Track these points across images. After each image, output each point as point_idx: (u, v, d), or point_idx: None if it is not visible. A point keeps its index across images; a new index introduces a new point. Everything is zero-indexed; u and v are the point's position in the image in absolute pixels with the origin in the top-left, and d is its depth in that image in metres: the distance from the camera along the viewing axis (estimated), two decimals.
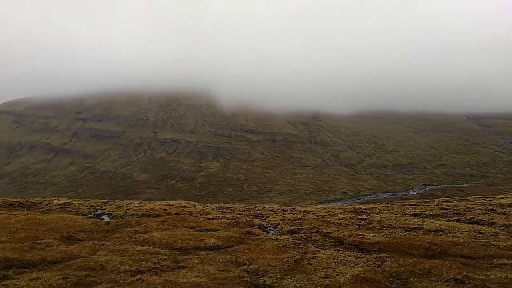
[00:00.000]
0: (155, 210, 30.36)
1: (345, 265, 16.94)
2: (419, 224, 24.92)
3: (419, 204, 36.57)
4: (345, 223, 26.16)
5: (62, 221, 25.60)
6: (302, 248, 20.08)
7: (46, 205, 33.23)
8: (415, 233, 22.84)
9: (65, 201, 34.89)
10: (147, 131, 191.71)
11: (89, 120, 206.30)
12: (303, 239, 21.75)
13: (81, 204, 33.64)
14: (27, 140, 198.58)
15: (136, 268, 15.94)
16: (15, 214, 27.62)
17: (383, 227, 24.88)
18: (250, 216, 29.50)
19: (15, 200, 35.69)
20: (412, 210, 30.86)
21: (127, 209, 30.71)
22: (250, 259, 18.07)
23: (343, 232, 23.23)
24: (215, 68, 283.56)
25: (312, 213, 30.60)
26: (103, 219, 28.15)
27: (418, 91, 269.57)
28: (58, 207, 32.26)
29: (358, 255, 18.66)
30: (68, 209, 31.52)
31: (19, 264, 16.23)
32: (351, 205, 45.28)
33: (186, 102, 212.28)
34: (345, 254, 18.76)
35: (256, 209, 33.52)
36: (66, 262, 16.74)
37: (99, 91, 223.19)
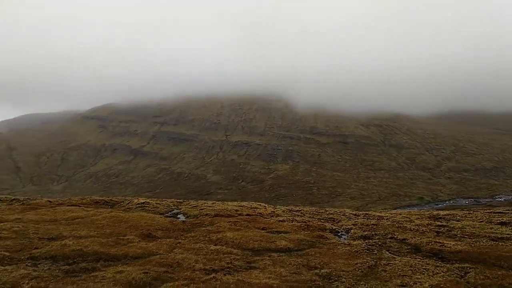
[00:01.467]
0: (227, 210, 31.11)
1: (423, 274, 16.05)
2: (508, 234, 22.88)
3: (507, 211, 33.60)
4: (423, 230, 24.80)
5: (141, 219, 27.19)
6: (376, 254, 19.38)
7: (127, 204, 35.53)
8: (503, 243, 20.99)
9: (144, 201, 37.06)
10: (219, 134, 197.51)
11: (166, 124, 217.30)
12: (377, 245, 20.98)
13: (159, 204, 35.48)
14: (110, 143, 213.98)
15: (210, 267, 16.43)
16: (101, 212, 29.84)
17: (466, 235, 23.19)
18: (321, 220, 29.10)
19: (101, 198, 38.61)
20: (499, 218, 28.42)
21: (201, 209, 31.81)
22: (322, 263, 17.81)
23: (421, 239, 22.04)
24: (287, 72, 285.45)
25: (387, 219, 29.42)
26: (179, 218, 29.41)
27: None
28: (138, 206, 34.35)
29: (438, 264, 17.58)
30: (147, 208, 33.41)
31: (106, 257, 17.51)
32: (428, 211, 42.89)
33: (256, 106, 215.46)
34: (422, 262, 17.78)
35: (327, 213, 32.99)
36: (146, 258, 17.73)
37: (175, 96, 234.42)
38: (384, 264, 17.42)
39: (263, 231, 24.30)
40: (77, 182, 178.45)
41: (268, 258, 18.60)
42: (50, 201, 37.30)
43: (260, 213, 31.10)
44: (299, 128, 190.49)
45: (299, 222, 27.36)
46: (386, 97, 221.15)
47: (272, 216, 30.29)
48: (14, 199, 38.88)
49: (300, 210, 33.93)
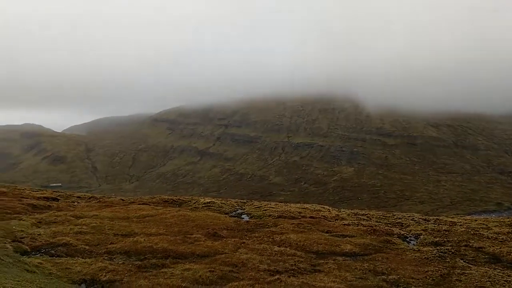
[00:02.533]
0: (290, 212, 31.03)
1: (504, 286, 14.85)
2: None
3: None
4: (502, 238, 22.97)
5: (207, 218, 27.97)
6: (449, 262, 18.28)
7: (194, 203, 36.72)
8: None
9: (209, 200, 38.10)
10: (282, 135, 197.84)
11: (230, 126, 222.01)
12: (450, 253, 19.78)
13: (223, 203, 36.28)
14: (178, 144, 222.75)
15: (275, 268, 16.48)
16: (169, 210, 31.14)
17: None
18: (388, 225, 28.05)
19: (169, 197, 40.28)
20: None
21: (264, 210, 32.03)
22: (389, 268, 17.15)
23: (500, 248, 20.43)
24: (355, 71, 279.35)
25: (460, 225, 27.64)
26: (243, 218, 29.85)
27: None
28: (204, 205, 35.38)
29: None
30: (212, 207, 34.30)
31: (174, 255, 18.25)
32: (508, 217, 39.62)
33: (319, 106, 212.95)
34: (503, 273, 16.46)
35: (395, 217, 31.71)
36: (212, 257, 18.20)
37: (239, 98, 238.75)
38: (458, 273, 16.38)
39: (327, 234, 23.93)
40: (147, 181, 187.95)
41: (332, 261, 18.28)
42: (123, 200, 39.67)
43: (324, 216, 30.66)
44: (364, 129, 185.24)
45: (365, 226, 26.58)
46: (458, 95, 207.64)
47: (337, 219, 29.73)
48: (91, 197, 41.87)
49: (366, 214, 32.94)
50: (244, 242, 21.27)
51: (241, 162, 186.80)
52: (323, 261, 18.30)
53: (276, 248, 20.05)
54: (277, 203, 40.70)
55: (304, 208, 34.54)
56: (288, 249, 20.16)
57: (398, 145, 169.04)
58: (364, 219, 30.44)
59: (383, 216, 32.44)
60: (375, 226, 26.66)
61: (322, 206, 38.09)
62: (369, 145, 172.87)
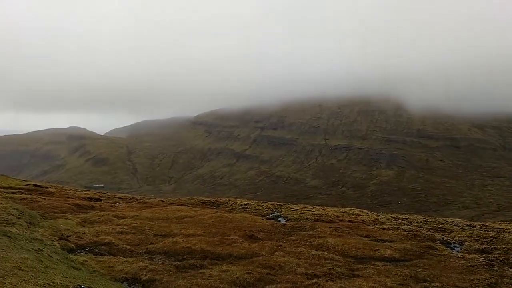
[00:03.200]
0: (328, 216, 30.64)
1: None
2: None
3: None
4: None
5: (244, 220, 28.10)
6: (497, 270, 17.41)
7: (231, 205, 37.01)
8: None
9: (246, 202, 38.27)
10: (318, 138, 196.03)
11: (266, 128, 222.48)
12: (498, 261, 18.83)
13: (260, 206, 36.34)
14: (215, 147, 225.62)
15: (312, 272, 16.30)
16: (207, 212, 31.54)
17: None
18: (430, 230, 27.09)
19: (207, 199, 40.83)
20: None
21: (301, 213, 31.81)
22: (432, 276, 16.55)
23: None
24: (398, 71, 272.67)
25: (509, 232, 26.28)
26: (280, 221, 29.77)
27: None
28: (240, 207, 35.59)
29: None
30: (249, 209, 34.43)
31: (212, 256, 18.44)
32: None
33: (357, 108, 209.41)
34: None
35: (437, 222, 30.59)
36: (249, 259, 18.25)
37: (275, 101, 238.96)
38: (507, 282, 15.58)
39: (366, 238, 23.43)
40: (186, 183, 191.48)
41: (371, 266, 17.87)
42: (162, 201, 40.58)
43: (363, 220, 30.06)
44: (405, 131, 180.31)
45: (405, 231, 25.83)
46: (504, 95, 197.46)
47: (376, 223, 29.07)
48: (132, 198, 43.11)
49: (407, 219, 31.99)
50: (281, 245, 21.19)
51: (277, 164, 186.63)
52: (361, 266, 17.93)
53: (314, 252, 19.83)
54: (314, 206, 40.33)
55: (342, 211, 34.03)
56: (325, 253, 19.90)
57: (440, 148, 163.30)
58: (404, 223, 29.58)
59: (424, 221, 31.39)
60: (416, 231, 25.85)
61: (361, 210, 37.37)
62: (410, 147, 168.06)
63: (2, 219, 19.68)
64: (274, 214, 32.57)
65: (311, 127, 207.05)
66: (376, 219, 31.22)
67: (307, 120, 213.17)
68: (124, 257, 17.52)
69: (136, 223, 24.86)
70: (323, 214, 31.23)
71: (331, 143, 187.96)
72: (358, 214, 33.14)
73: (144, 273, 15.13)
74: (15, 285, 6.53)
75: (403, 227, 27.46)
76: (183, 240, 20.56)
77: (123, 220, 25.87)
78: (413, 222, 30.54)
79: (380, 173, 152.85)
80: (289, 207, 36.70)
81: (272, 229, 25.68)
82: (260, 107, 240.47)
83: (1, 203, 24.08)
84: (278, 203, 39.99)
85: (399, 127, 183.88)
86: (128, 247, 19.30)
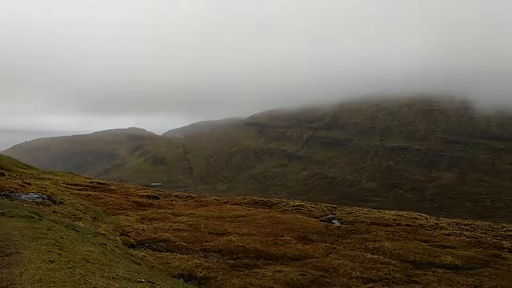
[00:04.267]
0: (384, 219, 29.73)
1: None
2: None
3: None
4: None
5: (297, 221, 27.97)
6: None
7: (284, 205, 37.01)
8: None
9: (299, 203, 38.10)
10: (374, 138, 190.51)
11: (319, 129, 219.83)
12: None
13: (313, 207, 36.01)
14: (267, 147, 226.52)
15: (368, 276, 15.88)
16: (260, 211, 31.77)
17: None
18: (497, 237, 25.43)
19: (260, 199, 41.15)
20: None
21: (356, 216, 31.11)
22: (499, 286, 15.52)
23: None
24: (457, 69, 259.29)
25: None
26: (333, 223, 29.31)
27: None
28: (293, 208, 35.49)
29: None
30: (302, 210, 34.24)
31: (265, 256, 18.54)
32: None
33: (416, 108, 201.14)
34: None
35: (505, 229, 28.65)
36: (303, 260, 18.13)
37: (328, 101, 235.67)
38: None
39: (425, 243, 22.45)
40: (239, 182, 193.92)
41: (431, 273, 17.08)
42: (217, 199, 41.45)
43: (421, 224, 28.84)
44: (467, 131, 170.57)
45: (468, 237, 24.44)
46: None
47: (435, 228, 27.78)
48: (188, 196, 44.41)
49: (470, 224, 30.27)
50: (335, 248, 20.86)
51: (330, 165, 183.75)
52: (420, 272, 17.20)
53: (369, 256, 19.32)
54: (370, 209, 39.31)
55: (399, 215, 32.87)
56: (382, 257, 19.31)
57: (508, 149, 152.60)
58: (467, 229, 28.02)
59: (490, 227, 29.52)
60: (481, 238, 24.37)
61: (419, 213, 35.90)
62: (473, 149, 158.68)
63: (71, 213, 21.06)
64: (328, 216, 32.13)
65: (366, 127, 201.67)
66: (436, 223, 29.83)
67: (362, 120, 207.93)
68: (181, 254, 18.07)
69: (192, 221, 25.58)
70: (379, 217, 30.34)
71: (387, 144, 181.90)
72: (416, 218, 31.85)
73: (200, 270, 15.51)
74: (83, 276, 6.96)
75: (466, 233, 26.01)
76: (237, 239, 20.85)
77: (179, 217, 26.72)
78: (477, 228, 28.84)
79: (440, 176, 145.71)
80: (343, 209, 36.05)
81: (326, 231, 25.35)
82: (313, 107, 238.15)
83: (70, 199, 25.77)
84: (332, 205, 39.41)
85: (461, 128, 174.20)
86: (184, 244, 19.88)
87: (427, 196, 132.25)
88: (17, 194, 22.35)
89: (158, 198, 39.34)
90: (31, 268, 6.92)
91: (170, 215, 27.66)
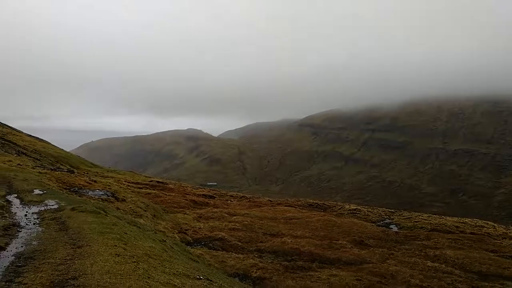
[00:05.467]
0: (446, 226, 28.30)
1: None
2: None
3: None
4: None
5: (353, 225, 27.39)
6: None
7: (339, 209, 36.39)
8: None
9: (355, 207, 37.28)
10: (435, 141, 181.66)
11: (376, 131, 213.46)
12: None
13: (370, 212, 35.07)
14: (322, 149, 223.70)
15: (428, 285, 15.22)
16: (314, 214, 31.47)
17: None
18: None
19: (314, 202, 40.74)
20: None
21: (416, 222, 29.89)
22: None
23: None
24: None
25: None
26: (391, 228, 28.36)
27: None
28: (349, 212, 34.78)
29: None
30: (358, 215, 33.45)
31: (320, 259, 18.34)
32: None
33: (481, 109, 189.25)
34: None
35: None
36: (358, 265, 17.73)
37: (386, 102, 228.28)
38: None
39: (492, 253, 21.08)
40: (292, 184, 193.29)
41: (499, 286, 16.03)
42: (270, 201, 41.62)
43: (488, 233, 27.11)
44: None
45: None
46: None
47: (504, 237, 25.99)
48: (242, 197, 45.00)
49: None
50: (392, 254, 20.18)
51: (388, 169, 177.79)
52: (487, 284, 16.19)
53: (430, 264, 18.49)
54: (430, 215, 37.59)
55: (462, 222, 31.12)
56: (443, 265, 18.41)
57: None
58: None
59: None
60: None
61: (485, 221, 33.76)
62: None
63: (132, 210, 22.14)
64: (385, 221, 31.15)
65: (427, 129, 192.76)
66: (505, 232, 27.89)
67: (422, 122, 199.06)
68: (236, 253, 18.36)
69: (246, 221, 25.90)
70: (440, 224, 28.93)
71: (450, 147, 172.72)
72: (482, 226, 29.98)
73: (254, 270, 15.67)
74: (146, 270, 7.31)
75: None
76: (291, 241, 20.82)
77: (234, 217, 27.15)
78: None
79: (509, 182, 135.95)
80: (401, 214, 34.79)
81: (383, 237, 24.60)
82: (371, 109, 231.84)
83: (131, 197, 27.07)
84: (390, 210, 38.16)
85: None
86: (239, 243, 20.18)
87: (495, 203, 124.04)
88: (85, 191, 23.86)
89: (214, 198, 40.23)
90: (100, 260, 7.39)
91: (226, 215, 28.18)
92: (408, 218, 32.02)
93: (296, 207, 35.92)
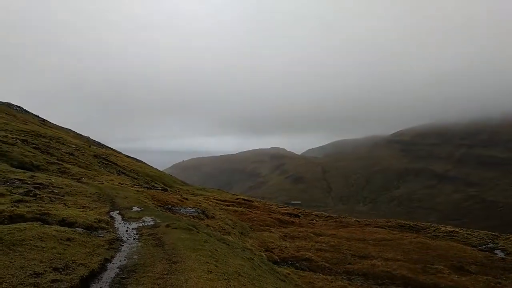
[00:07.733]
0: None
1: None
2: None
3: None
4: None
5: (450, 249, 25.29)
6: None
7: (434, 230, 33.91)
8: None
9: (452, 229, 34.45)
10: None
11: (473, 146, 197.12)
12: None
13: (469, 235, 32.18)
14: (412, 166, 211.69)
15: None
16: (406, 236, 29.68)
17: None
18: None
19: (405, 223, 38.48)
20: None
21: None
22: None
23: None
24: None
25: None
26: (496, 254, 25.66)
27: None
28: (445, 234, 32.24)
29: None
30: (456, 237, 30.86)
31: (414, 284, 17.17)
32: None
33: None
34: None
35: None
36: None
37: (484, 115, 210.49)
38: None
39: None
40: (381, 204, 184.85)
41: None
42: (358, 221, 40.18)
43: None
44: None
45: None
46: None
47: None
48: (328, 216, 44.08)
49: None
50: (499, 283, 18.19)
51: (489, 188, 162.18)
52: None
53: None
54: None
55: None
56: None
57: None
58: None
59: None
60: None
61: None
62: None
63: (221, 228, 22.83)
64: (489, 246, 28.30)
65: None
66: None
67: None
68: (323, 275, 17.94)
69: (333, 241, 25.26)
70: None
71: None
72: None
73: None
74: None
75: None
76: (381, 264, 19.82)
77: (321, 237, 26.65)
78: None
79: None
80: (508, 238, 31.35)
81: (487, 263, 22.32)
82: (465, 123, 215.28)
83: (220, 214, 27.98)
84: (493, 233, 34.64)
85: None
86: (327, 265, 19.70)
87: None
88: (177, 208, 25.19)
89: (299, 217, 39.96)
90: (194, 276, 7.71)
91: (312, 235, 27.79)
92: None
93: (386, 228, 34.25)
